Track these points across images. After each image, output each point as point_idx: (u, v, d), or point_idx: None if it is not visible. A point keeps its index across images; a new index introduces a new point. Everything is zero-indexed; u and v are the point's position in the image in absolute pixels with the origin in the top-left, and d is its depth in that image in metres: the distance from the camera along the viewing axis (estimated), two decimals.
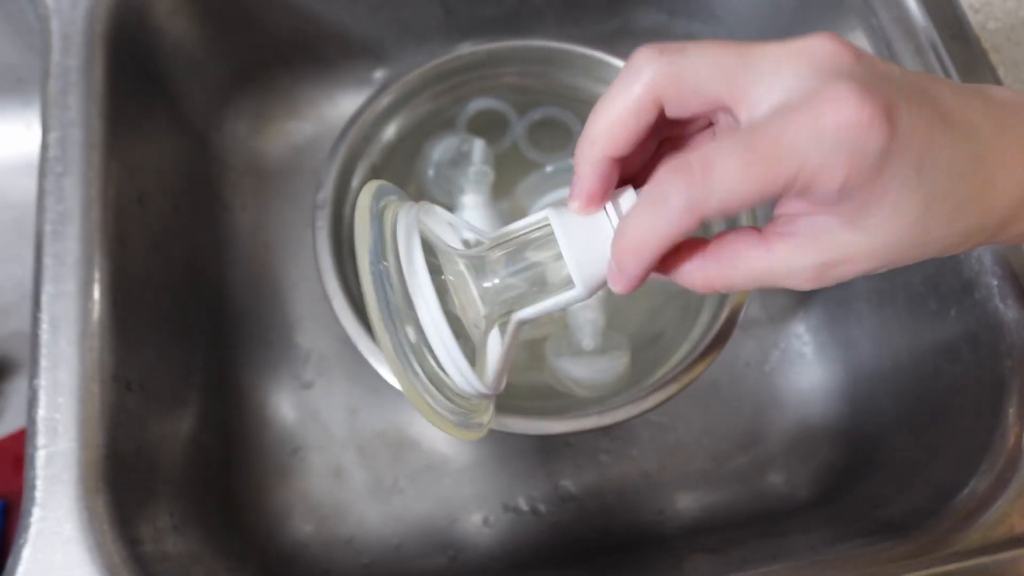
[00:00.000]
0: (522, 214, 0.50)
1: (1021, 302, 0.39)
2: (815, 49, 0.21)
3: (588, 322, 0.46)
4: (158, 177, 0.47)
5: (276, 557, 0.47)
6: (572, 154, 0.50)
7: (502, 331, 0.27)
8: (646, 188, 0.23)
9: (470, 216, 0.48)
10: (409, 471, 0.50)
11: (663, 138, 0.26)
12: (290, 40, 0.55)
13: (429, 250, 0.25)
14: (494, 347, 0.28)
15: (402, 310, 0.24)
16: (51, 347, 0.36)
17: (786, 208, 0.23)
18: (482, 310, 0.26)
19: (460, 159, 0.49)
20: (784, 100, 0.21)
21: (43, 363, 0.36)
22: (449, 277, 0.26)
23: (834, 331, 0.53)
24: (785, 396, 0.53)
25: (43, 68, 0.42)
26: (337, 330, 0.41)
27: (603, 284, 0.25)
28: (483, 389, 0.25)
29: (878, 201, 0.21)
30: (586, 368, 0.45)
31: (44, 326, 0.37)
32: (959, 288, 0.42)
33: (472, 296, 0.26)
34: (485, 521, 0.49)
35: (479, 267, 0.26)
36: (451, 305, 0.26)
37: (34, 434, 0.35)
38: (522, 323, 0.27)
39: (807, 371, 0.54)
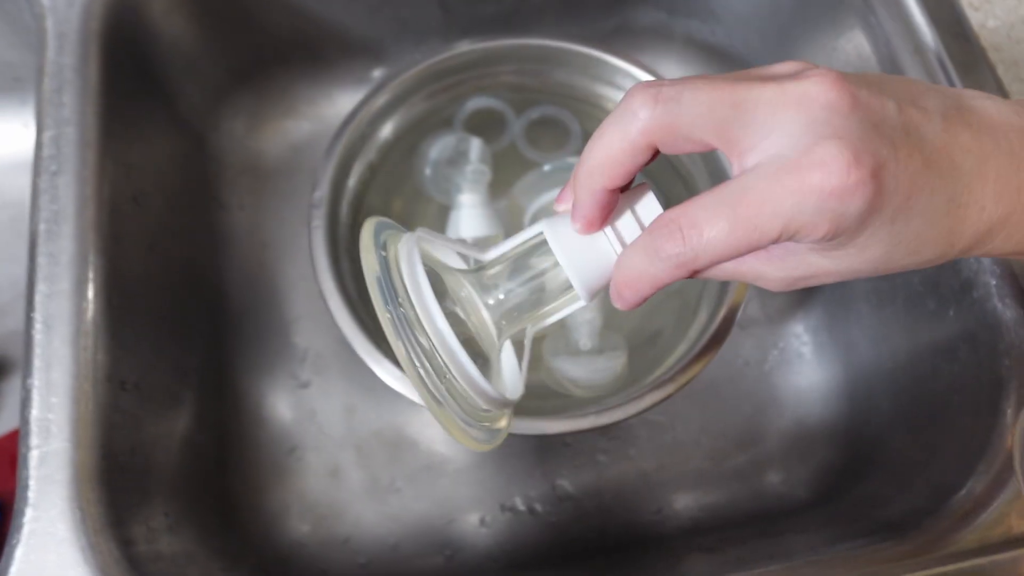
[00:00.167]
0: (520, 213, 0.50)
1: (1019, 301, 0.39)
2: (812, 97, 0.21)
3: (585, 322, 0.46)
4: (154, 176, 0.47)
5: (272, 557, 0.47)
6: (570, 153, 0.50)
7: (512, 340, 0.28)
8: (642, 237, 0.24)
9: (467, 215, 0.47)
10: (406, 471, 0.50)
11: None
12: (288, 39, 0.55)
13: (434, 275, 0.26)
14: (507, 358, 0.30)
15: (422, 341, 0.25)
16: (44, 347, 0.36)
17: None
18: (492, 326, 0.27)
19: (458, 158, 0.49)
20: (774, 155, 0.21)
21: (36, 363, 0.36)
22: (457, 308, 0.27)
23: (833, 331, 0.53)
24: (784, 396, 0.53)
25: (38, 66, 0.42)
26: (334, 330, 0.41)
27: (602, 290, 0.26)
28: (504, 401, 0.26)
29: (848, 241, 0.22)
30: (583, 368, 0.45)
31: (38, 326, 0.37)
32: (958, 288, 0.42)
33: (482, 316, 0.27)
34: (482, 521, 0.49)
35: (483, 284, 0.28)
36: (466, 329, 0.27)
37: (27, 434, 0.35)
38: (536, 338, 0.28)
39: (806, 371, 0.53)
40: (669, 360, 0.43)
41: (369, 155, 0.48)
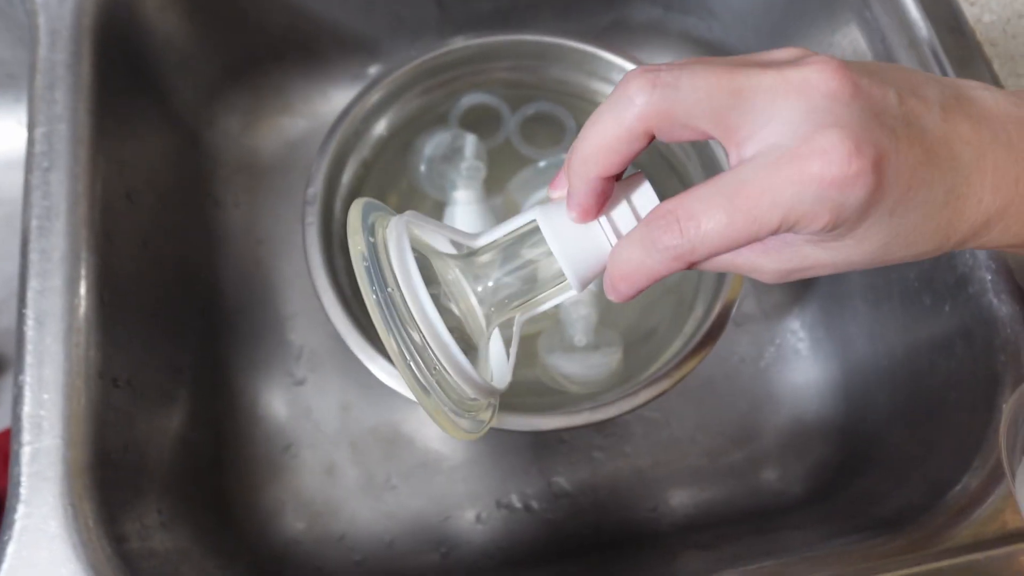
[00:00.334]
0: (515, 209, 0.50)
1: (1015, 297, 0.39)
2: (813, 85, 0.21)
3: (581, 318, 0.46)
4: (148, 173, 0.47)
5: (267, 554, 0.47)
6: (565, 150, 0.50)
7: (500, 329, 0.28)
8: (638, 228, 0.23)
9: (462, 211, 0.47)
10: (402, 468, 0.50)
11: None
12: (283, 35, 0.55)
13: (423, 259, 0.26)
14: (495, 347, 0.29)
15: (409, 327, 0.24)
16: (36, 343, 0.36)
17: None
18: (480, 313, 0.27)
19: (452, 154, 0.49)
20: (773, 144, 0.21)
21: (28, 359, 0.36)
22: (446, 288, 0.27)
23: (829, 327, 0.53)
24: (780, 392, 0.53)
25: (30, 63, 0.42)
26: (330, 327, 0.40)
27: (594, 279, 0.26)
28: (490, 389, 0.26)
29: (847, 233, 0.22)
30: (578, 364, 0.44)
31: (30, 322, 0.37)
32: (953, 283, 0.42)
33: (471, 303, 0.27)
34: (478, 518, 0.49)
35: (473, 271, 0.27)
36: (453, 316, 0.27)
37: (19, 431, 0.35)
38: (524, 323, 0.28)
39: (802, 367, 0.53)
40: (664, 356, 0.43)
41: (363, 152, 0.48)
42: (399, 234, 0.25)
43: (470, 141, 0.49)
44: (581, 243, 0.25)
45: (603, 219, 0.25)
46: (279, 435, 0.50)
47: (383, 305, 0.24)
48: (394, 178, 0.50)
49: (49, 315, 0.37)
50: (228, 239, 0.54)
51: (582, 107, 0.51)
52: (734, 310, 0.41)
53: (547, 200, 0.27)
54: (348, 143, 0.46)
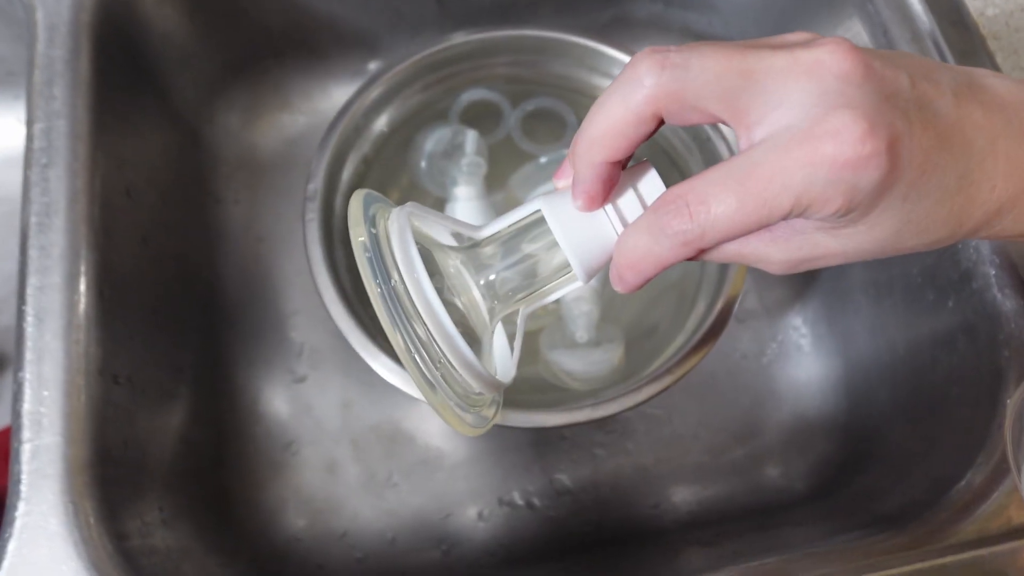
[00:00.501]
0: (516, 205, 0.49)
1: (1019, 292, 0.39)
2: (825, 66, 0.20)
3: (582, 314, 0.45)
4: (147, 170, 0.47)
5: (269, 552, 0.47)
6: (566, 145, 0.50)
7: (504, 323, 0.28)
8: (646, 215, 0.23)
9: (463, 208, 0.47)
10: (403, 465, 0.50)
11: None
12: (282, 32, 0.55)
13: (425, 252, 0.25)
14: (499, 342, 0.29)
15: (412, 319, 0.24)
16: (36, 340, 0.36)
17: None
18: (483, 306, 0.26)
19: (453, 150, 0.48)
20: (784, 126, 0.21)
21: (28, 356, 0.36)
22: (449, 281, 0.26)
23: (831, 323, 0.53)
24: (782, 388, 0.53)
25: (28, 59, 0.42)
26: (331, 324, 0.40)
27: (600, 270, 0.25)
28: (495, 383, 0.26)
29: (859, 218, 0.21)
30: (580, 361, 0.44)
31: (29, 319, 0.36)
32: (956, 278, 0.41)
33: (474, 296, 0.26)
34: (480, 515, 0.49)
35: (476, 263, 0.27)
36: (456, 310, 0.26)
37: (19, 428, 0.35)
38: (533, 330, 0.28)
39: (804, 363, 0.53)
40: (666, 352, 0.42)
41: (364, 148, 0.48)
42: (401, 225, 0.25)
43: (471, 137, 0.48)
44: (587, 232, 0.24)
45: (609, 207, 0.24)
46: (280, 432, 0.50)
47: (386, 297, 0.23)
48: (395, 174, 0.50)
49: (49, 312, 0.37)
50: (228, 236, 0.54)
51: (583, 102, 0.51)
52: (736, 306, 0.41)
53: (552, 191, 0.26)
54: (348, 139, 0.46)
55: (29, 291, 0.37)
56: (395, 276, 0.24)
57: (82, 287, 0.38)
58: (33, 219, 0.38)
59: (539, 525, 0.49)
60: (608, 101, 0.23)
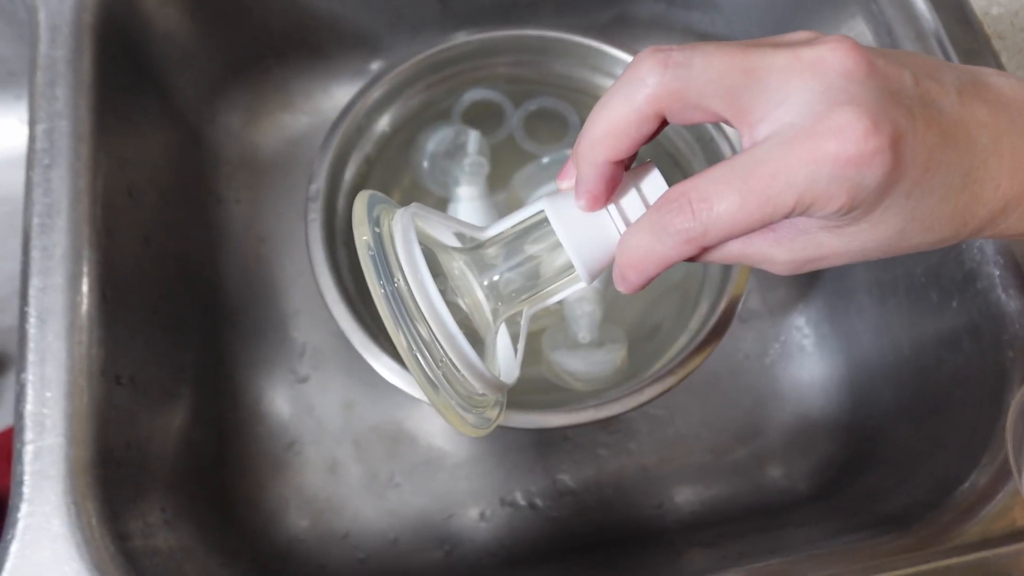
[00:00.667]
0: (518, 205, 0.49)
1: (1023, 292, 0.39)
2: (828, 63, 0.20)
3: (585, 315, 0.45)
4: (149, 170, 0.47)
5: (271, 552, 0.47)
6: (569, 145, 0.50)
7: (507, 324, 0.28)
8: (648, 214, 0.23)
9: (465, 208, 0.47)
10: (405, 465, 0.50)
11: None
12: (284, 31, 0.55)
13: (429, 253, 0.26)
14: (502, 343, 0.29)
15: (415, 319, 0.24)
16: (38, 341, 0.36)
17: None
18: (487, 307, 0.26)
19: (455, 150, 0.48)
20: (788, 124, 0.20)
21: (30, 357, 0.36)
22: (452, 282, 0.26)
23: (835, 323, 0.53)
24: (785, 389, 0.52)
25: (30, 59, 0.42)
26: (332, 324, 0.40)
27: (603, 271, 0.26)
28: (499, 384, 0.26)
29: (863, 216, 0.21)
30: (583, 361, 0.44)
31: (31, 320, 0.36)
32: (961, 279, 0.41)
33: (477, 297, 0.26)
34: (482, 515, 0.49)
35: (480, 264, 0.27)
36: (459, 310, 0.26)
37: (22, 429, 0.35)
38: (535, 331, 0.28)
39: (807, 363, 0.53)
40: (669, 353, 0.42)
41: (366, 148, 0.47)
42: (405, 225, 0.25)
43: (473, 137, 0.48)
44: (590, 232, 0.24)
45: (612, 207, 0.24)
46: (282, 433, 0.50)
47: (390, 297, 0.23)
48: (397, 174, 0.50)
49: (51, 313, 0.37)
50: (230, 236, 0.54)
51: (585, 102, 0.51)
52: (739, 306, 0.41)
53: (555, 191, 0.26)
54: (350, 139, 0.46)
55: (31, 292, 0.37)
56: (399, 276, 0.24)
57: (84, 288, 0.38)
58: (35, 220, 0.38)
59: (541, 525, 0.48)
60: (611, 100, 0.23)
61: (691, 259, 0.24)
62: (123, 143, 0.44)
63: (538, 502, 0.49)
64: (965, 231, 0.22)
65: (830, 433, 0.51)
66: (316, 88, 0.58)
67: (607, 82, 0.49)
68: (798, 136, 0.20)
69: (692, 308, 0.45)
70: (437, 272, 0.25)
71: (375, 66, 0.58)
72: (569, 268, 0.26)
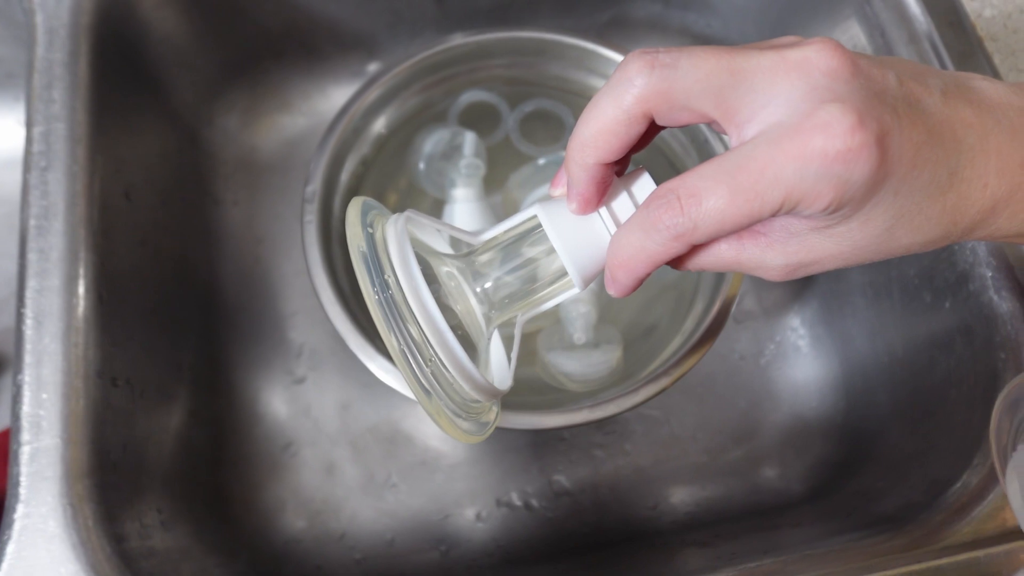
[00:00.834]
0: (514, 207, 0.50)
1: (1015, 294, 0.39)
2: (813, 63, 0.21)
3: (580, 316, 0.45)
4: (146, 172, 0.47)
5: (268, 553, 0.47)
6: (564, 147, 0.50)
7: (500, 330, 0.28)
8: (637, 212, 0.23)
9: (461, 209, 0.47)
10: (402, 466, 0.50)
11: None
12: (281, 33, 0.55)
13: (422, 259, 0.26)
14: (496, 350, 0.29)
15: (408, 323, 0.24)
16: (35, 343, 0.36)
17: None
18: (480, 313, 0.27)
19: (451, 152, 0.48)
20: (775, 123, 0.21)
21: (27, 359, 0.36)
22: (445, 289, 0.26)
23: (829, 324, 0.53)
24: (780, 390, 0.53)
25: (28, 62, 0.42)
26: (329, 325, 0.40)
27: (597, 275, 0.26)
28: (492, 390, 0.26)
29: (852, 214, 0.21)
30: (578, 362, 0.44)
31: (28, 321, 0.37)
32: (953, 280, 0.41)
33: (470, 303, 0.27)
34: (478, 516, 0.49)
35: (472, 270, 0.27)
36: (453, 315, 0.26)
37: (18, 430, 0.35)
38: (530, 332, 0.28)
39: (802, 364, 0.53)
40: (664, 354, 0.42)
41: (362, 149, 0.48)
42: (398, 230, 0.25)
43: (469, 139, 0.48)
44: (582, 236, 0.25)
45: (603, 211, 0.25)
46: (279, 433, 0.50)
47: (383, 302, 0.24)
48: (393, 176, 0.50)
49: (48, 314, 0.37)
50: (227, 237, 0.54)
51: (581, 104, 0.50)
52: (734, 307, 0.41)
53: (548, 197, 0.26)
54: (347, 141, 0.46)
55: (28, 294, 0.37)
56: (391, 281, 0.24)
57: (81, 290, 0.38)
58: (32, 222, 0.39)
59: (537, 526, 0.49)
60: (599, 103, 0.23)
61: (682, 263, 0.24)
62: (120, 145, 0.44)
63: (534, 503, 0.49)
64: (955, 231, 0.23)
65: (825, 434, 0.51)
66: (313, 89, 0.58)
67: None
68: (785, 133, 0.20)
69: (687, 309, 0.45)
70: (430, 279, 0.25)
71: (372, 67, 0.58)
72: (562, 273, 0.26)
